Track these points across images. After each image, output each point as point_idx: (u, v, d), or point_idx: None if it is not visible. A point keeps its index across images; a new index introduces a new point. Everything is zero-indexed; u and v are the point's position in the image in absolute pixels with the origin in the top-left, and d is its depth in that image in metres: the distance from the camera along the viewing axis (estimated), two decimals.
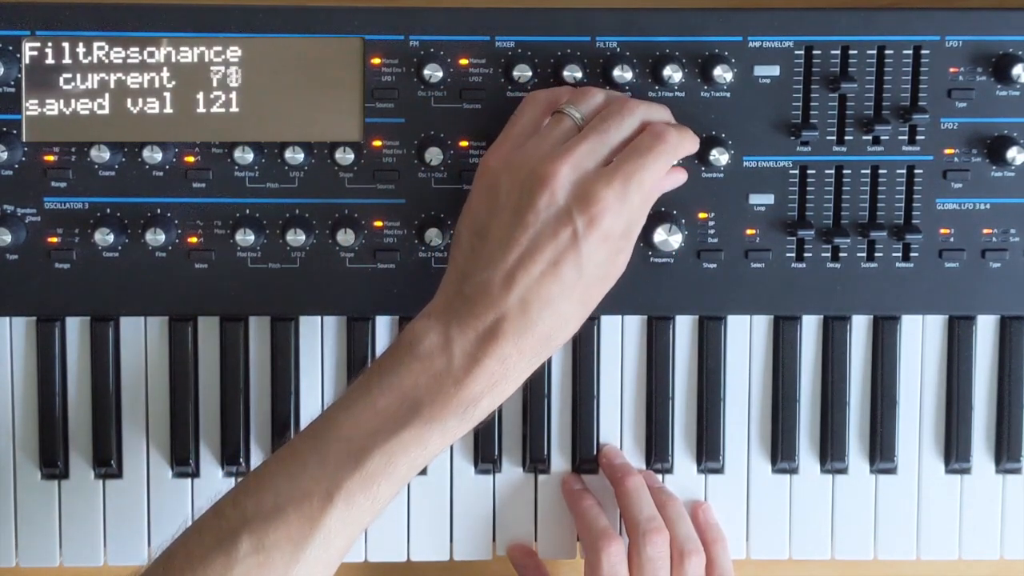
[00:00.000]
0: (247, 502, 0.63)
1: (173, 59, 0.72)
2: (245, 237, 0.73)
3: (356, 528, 0.64)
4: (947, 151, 0.74)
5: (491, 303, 0.64)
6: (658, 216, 0.73)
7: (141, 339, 0.76)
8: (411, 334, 0.65)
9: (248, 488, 0.64)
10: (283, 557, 0.61)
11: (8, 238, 0.73)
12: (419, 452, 0.64)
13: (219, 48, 0.72)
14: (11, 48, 0.72)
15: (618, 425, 0.77)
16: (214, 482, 0.76)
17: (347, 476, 0.62)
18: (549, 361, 0.76)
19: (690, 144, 0.71)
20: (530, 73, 0.73)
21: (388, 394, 0.64)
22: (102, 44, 0.72)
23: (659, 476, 0.77)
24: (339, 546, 0.63)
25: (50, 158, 0.73)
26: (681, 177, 0.73)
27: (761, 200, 0.75)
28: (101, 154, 0.72)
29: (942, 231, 0.75)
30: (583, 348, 0.76)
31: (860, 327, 0.77)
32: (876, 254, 0.75)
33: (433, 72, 0.72)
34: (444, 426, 0.64)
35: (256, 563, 0.61)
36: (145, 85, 0.72)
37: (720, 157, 0.73)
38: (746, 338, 0.77)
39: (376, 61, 0.73)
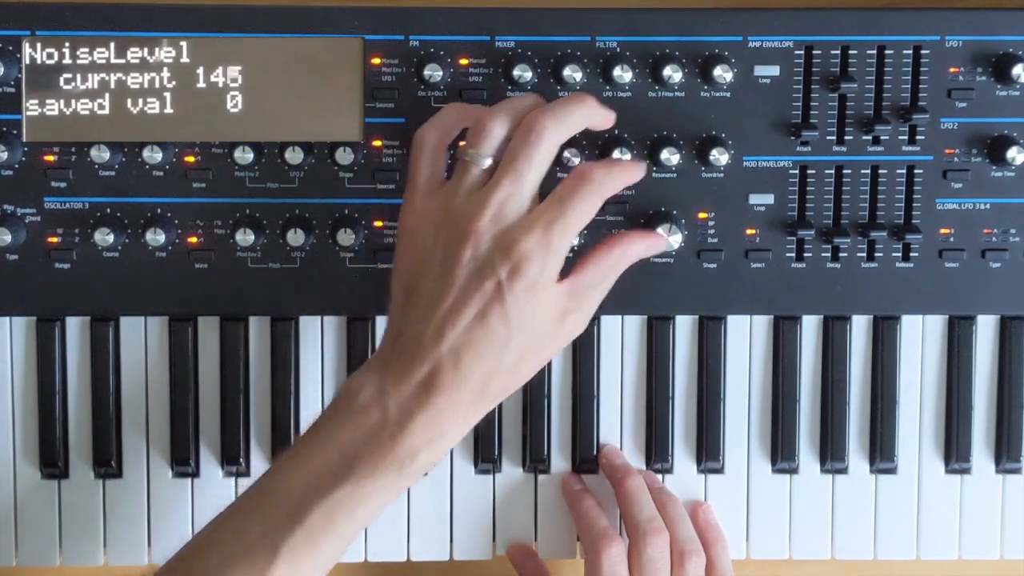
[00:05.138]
0: (195, 563, 0.63)
1: (173, 59, 0.72)
2: (245, 237, 0.73)
3: None
4: (947, 151, 0.74)
5: (423, 356, 0.64)
6: (658, 216, 0.74)
7: (141, 339, 0.76)
8: (348, 388, 0.65)
9: (196, 548, 0.64)
10: None
11: (8, 238, 0.73)
12: (357, 509, 0.63)
13: (219, 48, 0.72)
14: (11, 48, 0.72)
15: (618, 425, 0.77)
16: (214, 482, 0.76)
17: (288, 532, 0.62)
18: (549, 361, 0.76)
19: (621, 176, 0.68)
20: (530, 73, 0.72)
21: (325, 449, 0.64)
22: (102, 44, 0.72)
23: (659, 476, 0.77)
24: None
25: (50, 158, 0.73)
26: (659, 245, 0.71)
27: (761, 200, 0.75)
28: (101, 154, 0.72)
29: (942, 231, 0.75)
30: (583, 348, 0.76)
31: (860, 327, 0.77)
32: (876, 254, 0.75)
33: (433, 72, 0.72)
34: (379, 481, 0.63)
35: None
36: (145, 85, 0.72)
37: (720, 157, 0.73)
38: (746, 338, 0.77)
39: (376, 61, 0.73)
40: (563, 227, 0.65)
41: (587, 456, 0.77)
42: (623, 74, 0.72)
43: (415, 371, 0.64)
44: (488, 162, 0.66)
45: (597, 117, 0.69)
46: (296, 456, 0.64)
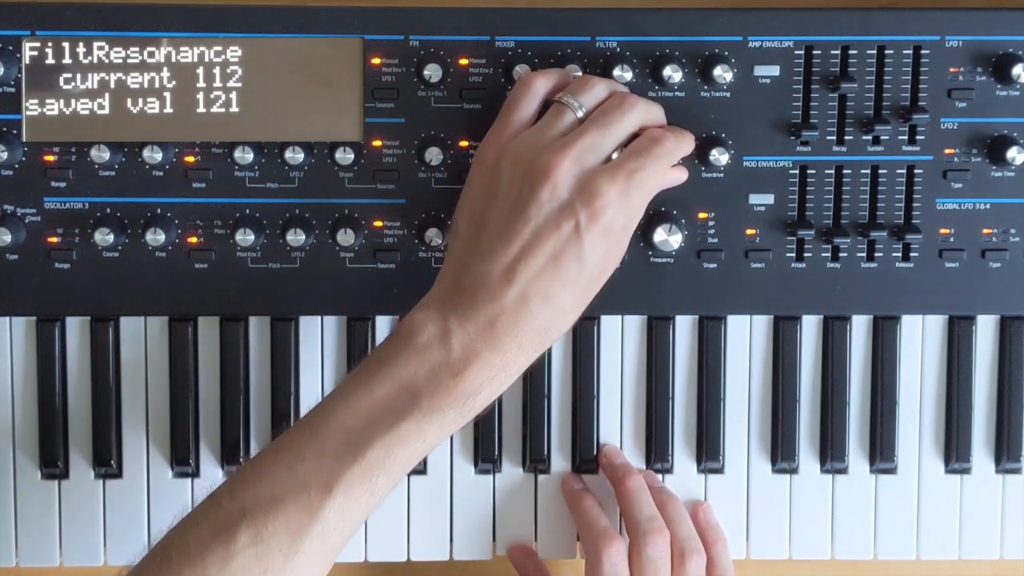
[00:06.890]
0: (245, 493, 0.62)
1: (173, 59, 0.72)
2: (245, 237, 0.73)
3: (354, 520, 0.64)
4: (947, 151, 0.74)
5: (490, 296, 0.64)
6: (658, 216, 0.74)
7: (141, 339, 0.76)
8: (409, 325, 0.65)
9: (246, 479, 0.63)
10: (281, 548, 0.61)
11: (8, 238, 0.73)
12: (418, 444, 0.64)
13: (219, 48, 0.72)
14: (11, 48, 0.72)
15: (618, 425, 0.77)
16: (214, 482, 0.76)
17: (346, 468, 0.62)
18: (549, 361, 0.76)
19: (686, 146, 0.71)
20: None
21: (386, 385, 0.64)
22: (102, 44, 0.72)
23: (659, 476, 0.77)
24: (337, 538, 0.63)
25: (50, 158, 0.73)
26: (681, 176, 0.73)
27: (761, 200, 0.75)
28: (101, 154, 0.72)
29: (942, 231, 0.75)
30: (583, 348, 0.76)
31: (860, 327, 0.77)
32: (876, 254, 0.75)
33: (433, 72, 0.72)
34: (443, 417, 0.64)
35: (255, 555, 0.61)
36: (145, 85, 0.72)
37: (720, 157, 0.73)
38: (746, 338, 0.77)
39: (376, 61, 0.73)
40: (641, 180, 0.66)
41: (587, 456, 0.77)
42: (623, 74, 0.72)
43: (481, 310, 0.64)
44: (581, 113, 0.68)
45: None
46: (350, 393, 0.64)
